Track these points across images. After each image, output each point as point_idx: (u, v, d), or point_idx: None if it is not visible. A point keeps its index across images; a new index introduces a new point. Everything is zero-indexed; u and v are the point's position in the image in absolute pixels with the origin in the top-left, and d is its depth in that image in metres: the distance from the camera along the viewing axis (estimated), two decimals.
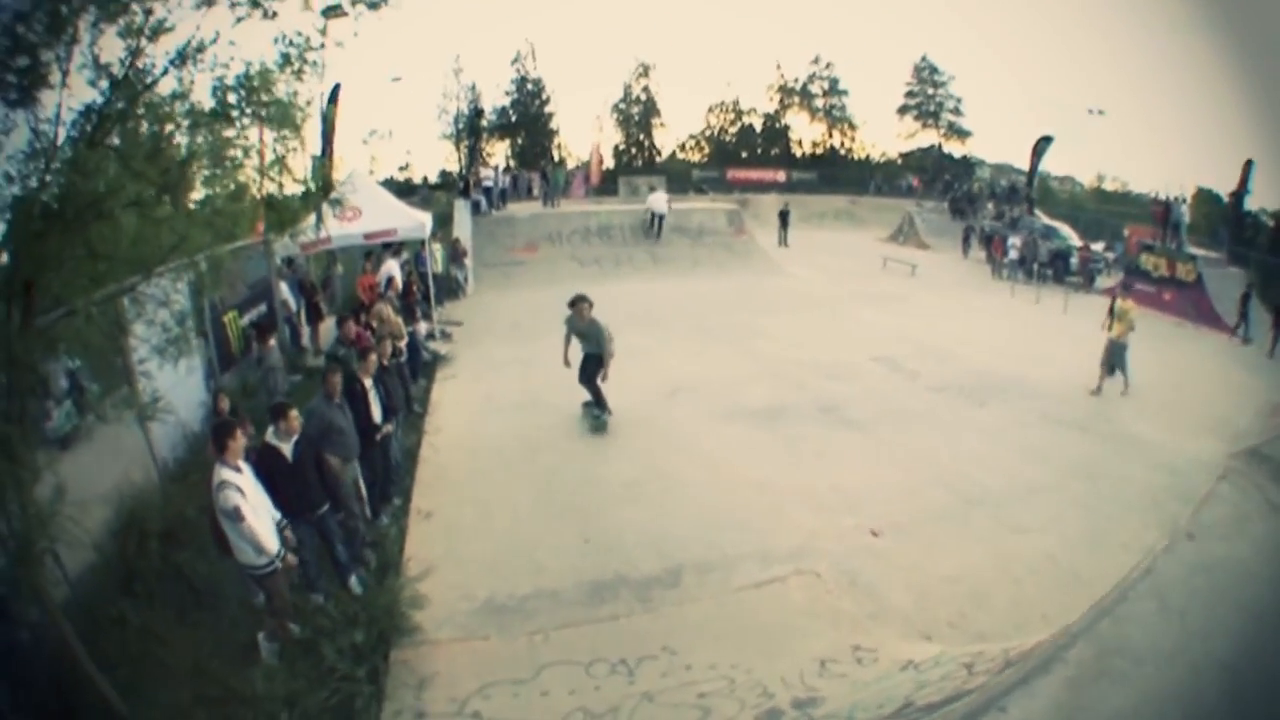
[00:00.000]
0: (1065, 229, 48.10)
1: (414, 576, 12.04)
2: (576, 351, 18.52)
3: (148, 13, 8.36)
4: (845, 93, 77.99)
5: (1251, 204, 60.02)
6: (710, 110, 77.97)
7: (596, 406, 19.15)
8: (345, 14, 9.77)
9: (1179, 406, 22.55)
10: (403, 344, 19.47)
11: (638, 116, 75.23)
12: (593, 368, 18.76)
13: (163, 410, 10.46)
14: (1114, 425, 20.59)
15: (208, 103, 8.87)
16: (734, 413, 19.94)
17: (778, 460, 17.19)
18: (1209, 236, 52.29)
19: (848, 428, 19.36)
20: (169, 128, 8.97)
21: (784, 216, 50.58)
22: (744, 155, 75.72)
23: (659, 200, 42.51)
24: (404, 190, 54.35)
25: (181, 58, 8.55)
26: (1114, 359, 22.74)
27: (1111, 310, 23.25)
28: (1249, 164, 57.88)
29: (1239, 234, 55.40)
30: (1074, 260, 43.53)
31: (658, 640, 10.58)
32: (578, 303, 18.51)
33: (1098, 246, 46.70)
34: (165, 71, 8.53)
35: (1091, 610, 6.54)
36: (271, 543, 9.93)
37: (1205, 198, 67.81)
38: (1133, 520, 14.54)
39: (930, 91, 77.33)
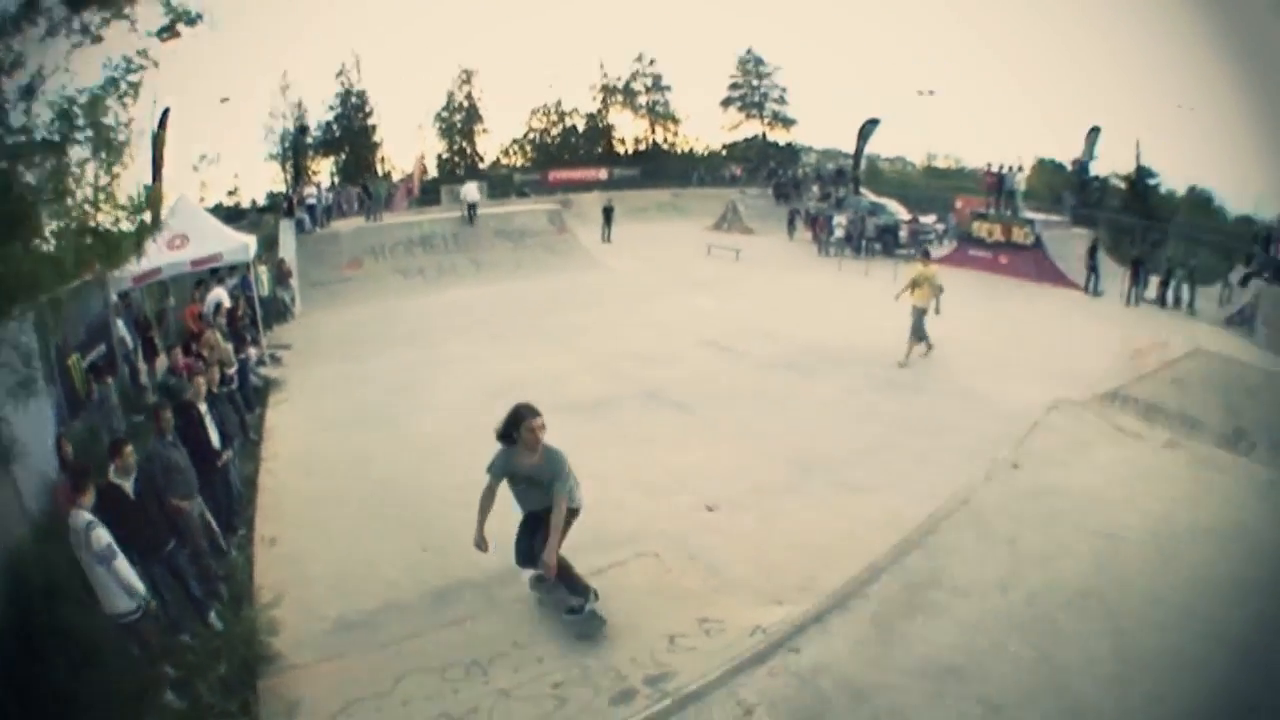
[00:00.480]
0: (893, 205, 48.90)
1: (266, 604, 11.60)
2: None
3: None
4: (668, 88, 77.24)
5: (1098, 169, 62.91)
6: (533, 113, 76.17)
7: (572, 594, 10.66)
8: (179, 35, 9.15)
9: (1022, 360, 23.31)
10: (233, 371, 18.69)
11: (460, 124, 72.94)
12: (536, 536, 10.60)
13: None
14: (952, 383, 21.07)
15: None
16: (560, 408, 18.18)
17: (607, 449, 16.78)
18: (1054, 202, 54.04)
19: (676, 411, 19.37)
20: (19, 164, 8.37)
21: (607, 213, 49.89)
22: (567, 156, 73.92)
23: (470, 190, 43.68)
24: (233, 215, 52.14)
25: (29, 91, 7.95)
26: (916, 326, 22.90)
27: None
28: (1094, 131, 60.53)
29: (1085, 198, 57.62)
30: (902, 233, 44.56)
31: (507, 637, 10.49)
32: (521, 420, 10.32)
33: (928, 219, 47.94)
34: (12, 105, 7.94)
35: (898, 544, 6.01)
36: (139, 583, 9.62)
37: (1046, 167, 69.88)
38: (976, 468, 14.23)
39: (755, 83, 76.77)
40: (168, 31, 9.35)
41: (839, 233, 44.69)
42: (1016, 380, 20.71)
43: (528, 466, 10.25)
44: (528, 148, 75.28)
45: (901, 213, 47.15)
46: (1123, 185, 64.77)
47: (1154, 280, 36.11)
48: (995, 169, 46.66)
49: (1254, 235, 42.51)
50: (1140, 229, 49.69)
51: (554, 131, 75.92)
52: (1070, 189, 58.67)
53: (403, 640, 10.75)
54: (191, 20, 9.57)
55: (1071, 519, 5.97)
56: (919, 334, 22.84)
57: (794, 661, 4.75)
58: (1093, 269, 37.53)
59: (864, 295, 32.75)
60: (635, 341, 25.20)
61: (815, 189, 58.09)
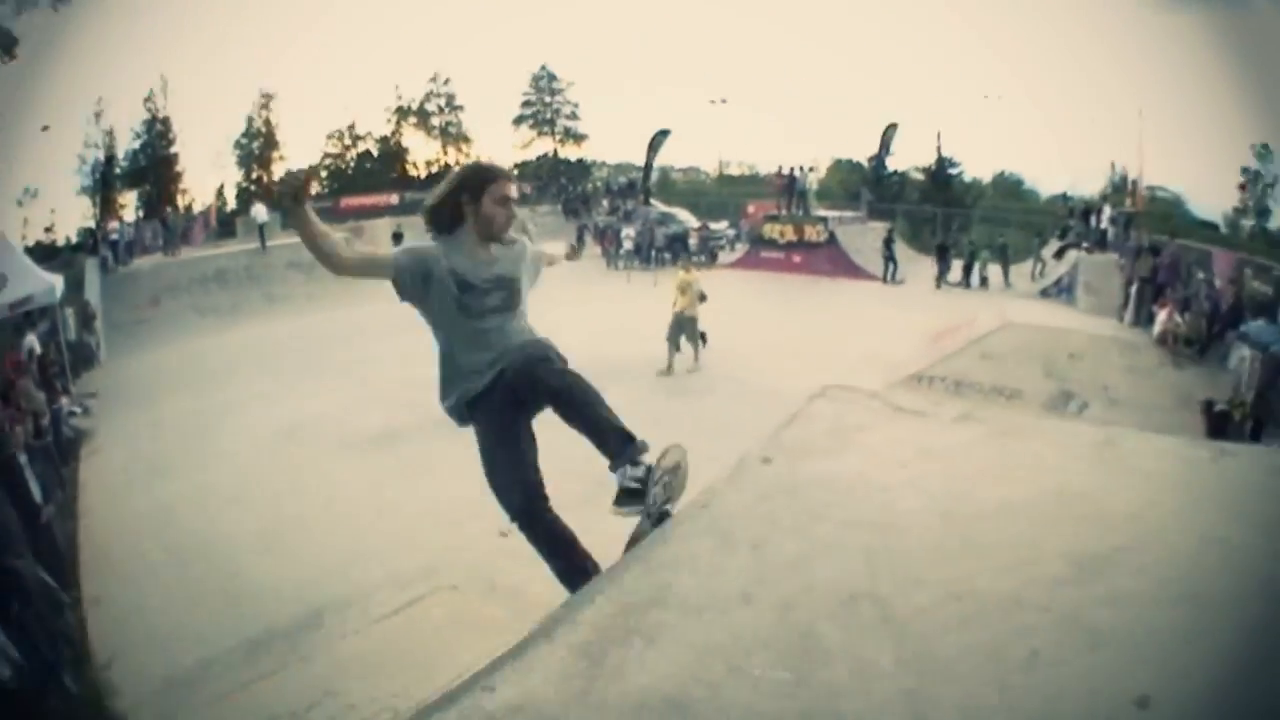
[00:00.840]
0: (683, 214, 49.39)
1: (102, 666, 11.06)
2: None
3: None
4: (460, 108, 74.88)
5: (896, 164, 65.83)
6: (328, 138, 74.03)
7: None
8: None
9: (821, 353, 23.11)
10: (45, 422, 17.74)
11: (258, 151, 70.28)
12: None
13: None
14: (743, 384, 20.84)
15: None
16: (350, 443, 18.96)
17: (396, 481, 16.51)
18: (851, 199, 54.97)
19: (464, 438, 18.04)
20: None
21: (397, 239, 47.60)
22: (363, 182, 71.86)
23: (260, 211, 43.12)
24: (49, 253, 49.74)
25: None
26: (683, 332, 22.89)
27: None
28: (890, 128, 62.73)
29: (881, 192, 59.15)
30: (692, 240, 44.67)
31: (319, 686, 9.87)
32: (484, 184, 6.14)
33: (718, 225, 48.32)
34: None
35: (620, 562, 5.39)
36: (12, 649, 9.20)
37: (843, 166, 70.87)
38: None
39: (547, 100, 75.45)
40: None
41: (627, 245, 44.48)
42: (813, 374, 19.56)
43: (488, 263, 6.09)
44: (323, 174, 72.89)
45: (691, 221, 47.44)
46: (922, 177, 66.52)
47: (958, 264, 37.59)
48: (785, 171, 46.98)
49: (1070, 210, 44.80)
50: (941, 216, 51.41)
51: (348, 157, 74.05)
52: (867, 185, 59.61)
53: (223, 697, 10.22)
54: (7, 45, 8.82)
55: (835, 513, 5.26)
56: (676, 342, 22.91)
57: (487, 701, 4.11)
58: (889, 259, 39.03)
59: (651, 305, 31.05)
60: (423, 369, 23.93)
61: (605, 203, 58.01)
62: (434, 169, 72.55)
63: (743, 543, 5.00)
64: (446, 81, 73.84)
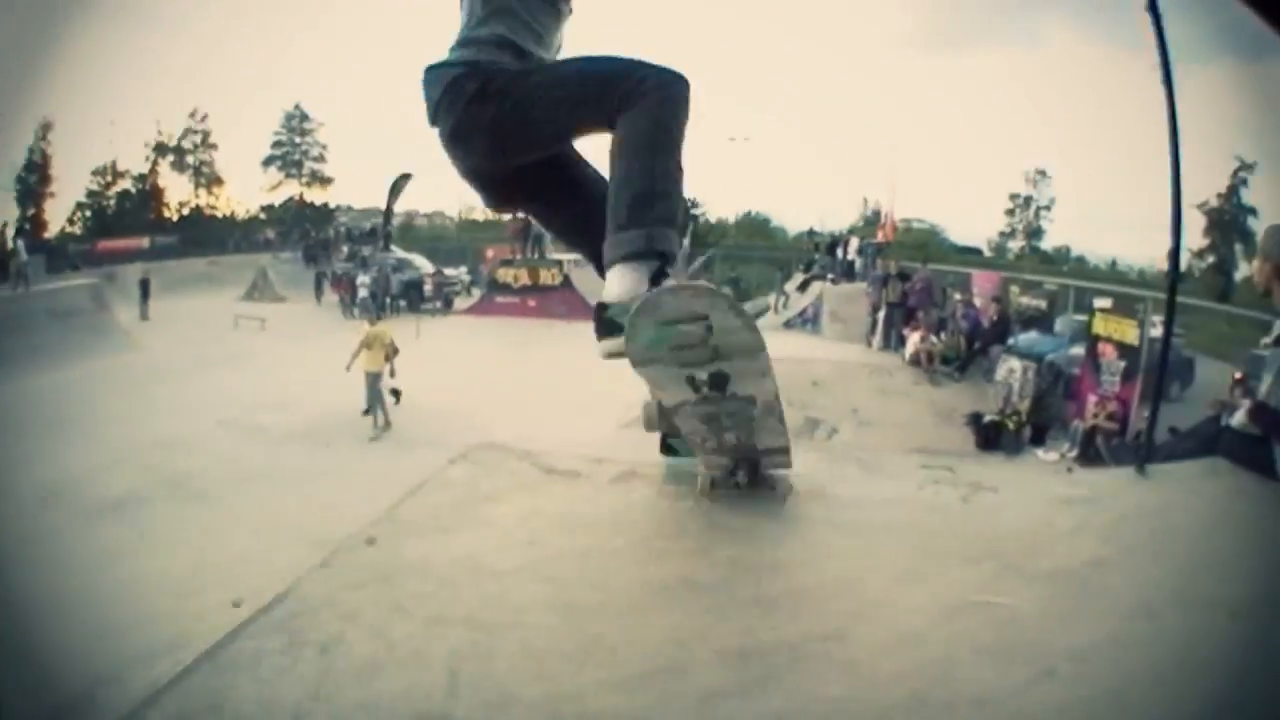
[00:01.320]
0: (419, 260, 48.67)
1: None
2: None
3: None
4: (214, 146, 71.63)
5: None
6: (93, 174, 68.69)
7: None
8: None
9: (548, 402, 23.27)
10: None
11: (34, 185, 65.05)
12: None
13: None
14: (465, 437, 18.91)
15: None
16: (85, 512, 17.04)
17: (126, 553, 14.90)
18: None
19: (198, 502, 17.26)
20: None
21: (144, 286, 45.25)
22: (123, 222, 67.40)
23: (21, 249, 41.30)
24: None
25: None
26: (372, 394, 22.12)
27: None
28: None
29: None
30: (427, 287, 43.98)
31: None
32: None
33: (453, 271, 48.18)
34: None
35: (192, 661, 4.29)
36: None
37: None
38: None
39: (297, 140, 72.96)
40: None
41: (362, 292, 42.77)
42: (537, 424, 19.59)
43: None
44: (86, 214, 68.43)
45: (426, 267, 46.71)
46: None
47: None
48: (520, 215, 45.74)
49: (816, 245, 45.09)
50: (683, 256, 51.06)
51: (110, 194, 69.23)
52: None
53: None
54: None
55: (426, 607, 3.93)
56: (375, 401, 21.98)
57: None
58: None
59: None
60: (152, 427, 22.66)
61: (345, 249, 55.77)
62: (184, 210, 69.14)
63: (312, 643, 4.06)
64: (204, 118, 70.24)
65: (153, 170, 69.75)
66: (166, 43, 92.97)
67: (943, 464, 18.34)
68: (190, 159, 70.61)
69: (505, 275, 42.88)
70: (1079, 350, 22.11)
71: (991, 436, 19.68)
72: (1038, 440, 20.04)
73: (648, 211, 4.13)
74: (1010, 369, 21.34)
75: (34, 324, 33.31)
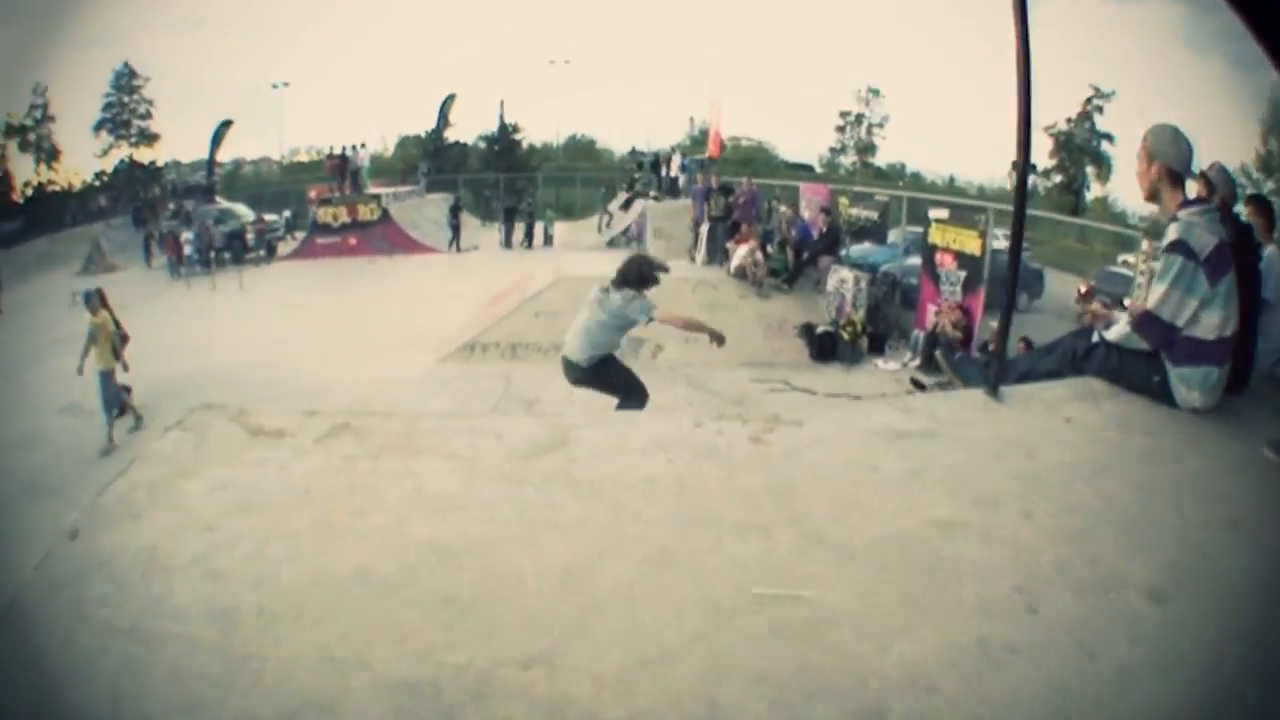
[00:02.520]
0: (241, 208, 46.98)
1: None
2: None
3: None
4: (53, 119, 68.53)
5: (457, 135, 63.19)
6: None
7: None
8: None
9: (371, 338, 22.92)
10: None
11: None
12: None
13: None
14: (294, 382, 19.68)
15: None
16: None
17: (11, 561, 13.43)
18: (411, 173, 53.94)
19: (50, 498, 15.79)
20: None
21: None
22: None
23: None
24: None
25: None
26: (108, 396, 19.27)
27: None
28: (448, 99, 62.22)
29: (441, 164, 58.51)
30: (249, 236, 42.49)
31: None
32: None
33: (273, 216, 46.34)
34: None
35: None
36: None
37: (409, 141, 69.57)
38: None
39: (125, 100, 70.05)
40: None
41: (187, 249, 41.50)
42: (371, 360, 20.38)
43: None
44: None
45: (247, 215, 45.13)
46: (483, 145, 66.36)
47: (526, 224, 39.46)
48: (337, 152, 45.56)
49: (639, 164, 43.61)
50: (504, 182, 51.36)
51: None
52: (425, 158, 59.44)
53: None
54: None
55: (101, 616, 3.57)
56: (113, 404, 19.27)
57: None
58: (454, 228, 40.03)
59: (209, 314, 30.75)
60: (11, 426, 20.87)
61: (171, 206, 53.47)
62: (28, 191, 66.05)
63: (17, 658, 3.10)
64: (44, 91, 67.00)
65: (1, 156, 66.36)
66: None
67: (777, 378, 18.23)
68: (32, 135, 67.37)
69: (325, 215, 41.54)
70: (915, 261, 21.95)
71: (826, 347, 19.42)
72: (877, 350, 19.88)
73: None
74: (842, 279, 20.83)
75: None
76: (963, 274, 18.79)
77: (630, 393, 11.05)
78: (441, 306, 25.79)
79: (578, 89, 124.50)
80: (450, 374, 19.13)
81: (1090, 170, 61.70)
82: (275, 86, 62.22)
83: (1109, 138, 60.81)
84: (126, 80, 68.48)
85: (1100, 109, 60.36)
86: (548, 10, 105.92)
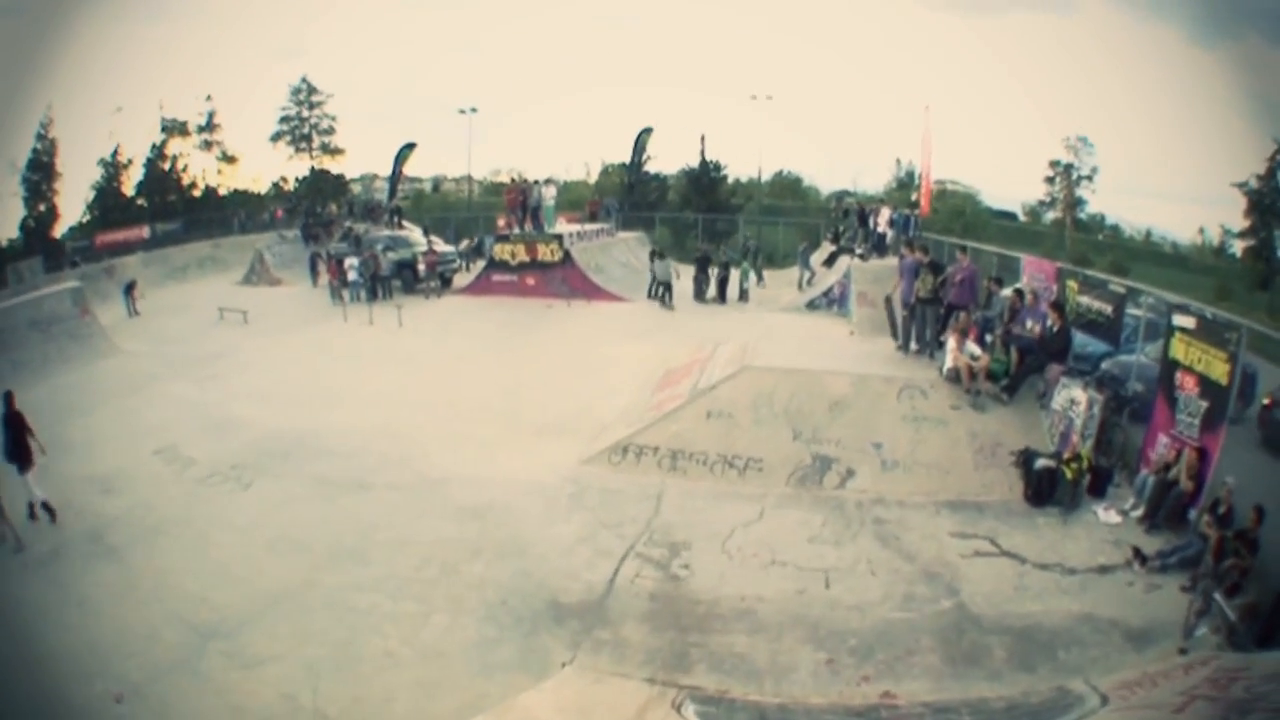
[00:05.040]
0: (416, 235, 46.01)
1: None
2: None
3: None
4: (218, 126, 69.40)
5: (654, 167, 61.58)
6: (99, 163, 65.32)
7: None
8: None
9: (527, 412, 21.38)
10: None
11: (39, 181, 61.49)
12: None
13: None
14: (422, 468, 18.03)
15: None
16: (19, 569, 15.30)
17: (44, 622, 13.43)
18: (603, 210, 51.26)
19: (107, 560, 15.30)
20: None
21: (128, 285, 41.51)
22: (134, 211, 63.51)
23: None
24: None
25: None
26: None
27: None
28: (645, 132, 61.25)
29: (638, 200, 58.00)
30: (421, 267, 40.86)
31: None
32: None
33: (447, 248, 45.03)
34: None
35: None
36: None
37: (613, 170, 68.28)
38: (411, 604, 12.96)
39: (304, 114, 70.45)
40: None
41: (351, 275, 40.00)
42: (509, 446, 18.94)
43: None
44: (94, 205, 65.63)
45: (420, 244, 43.48)
46: (685, 181, 64.45)
47: (719, 275, 36.89)
48: (519, 182, 44.03)
49: (845, 210, 41.51)
50: (703, 223, 49.09)
51: (121, 181, 66.44)
52: (615, 194, 57.95)
53: None
54: None
55: None
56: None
57: None
58: (654, 274, 37.02)
59: (361, 350, 30.12)
60: (100, 460, 19.98)
61: (349, 226, 52.30)
62: (196, 193, 67.54)
63: None
64: (209, 98, 68.91)
65: (163, 152, 67.23)
66: (167, 31, 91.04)
67: (984, 530, 14.95)
68: (205, 136, 68.65)
69: (502, 252, 40.01)
70: (1144, 359, 18.44)
71: (1045, 488, 15.98)
72: (1098, 491, 16.30)
73: None
74: (1072, 399, 17.39)
75: (15, 337, 30.91)
76: (1204, 405, 15.06)
77: None
78: (605, 378, 23.79)
79: (781, 125, 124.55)
80: (593, 480, 16.92)
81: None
82: (463, 111, 60.39)
83: None
84: (306, 95, 69.94)
85: None
86: (753, 47, 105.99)
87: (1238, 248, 61.25)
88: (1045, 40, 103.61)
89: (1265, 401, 18.31)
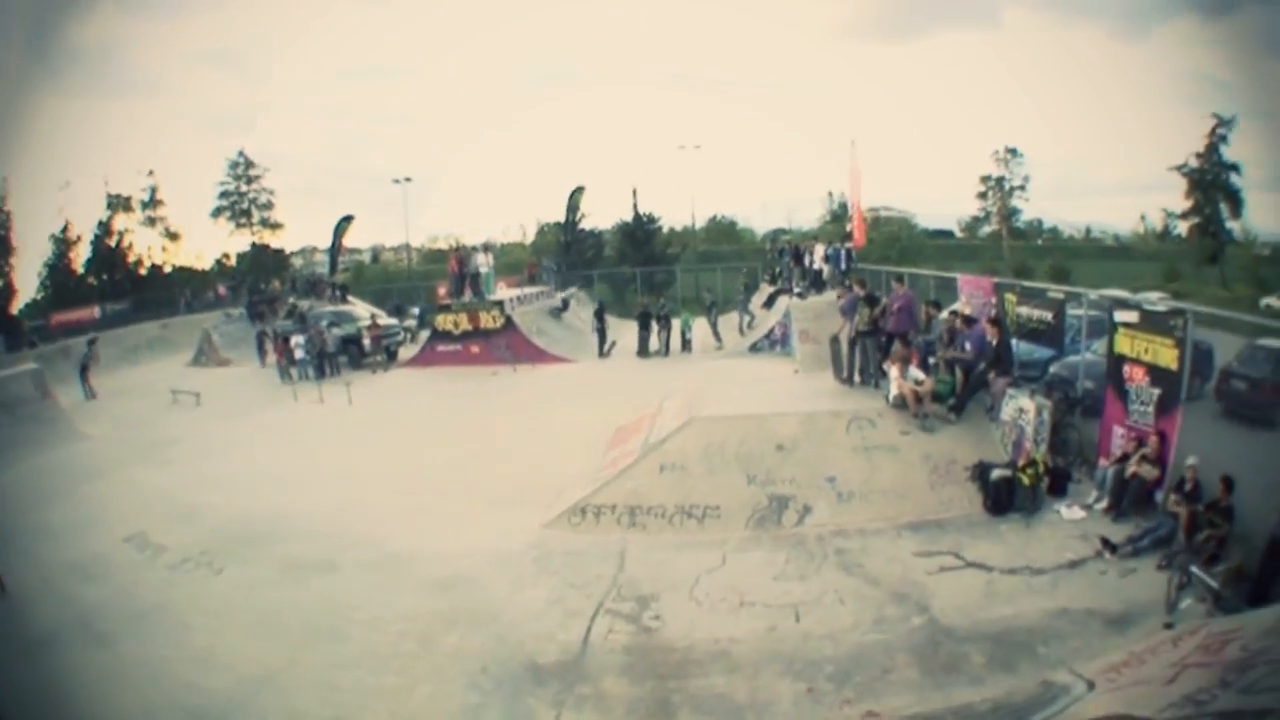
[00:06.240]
0: (360, 309, 46.35)
1: None
2: None
3: None
4: (161, 202, 70.72)
5: (589, 223, 62.25)
6: (50, 239, 66.62)
7: None
8: None
9: (480, 484, 21.32)
10: None
11: None
12: None
13: None
14: (379, 543, 18.00)
15: None
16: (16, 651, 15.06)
17: (46, 708, 13.10)
18: (542, 270, 52.26)
19: (98, 647, 15.05)
20: None
21: (83, 368, 40.47)
22: (84, 290, 63.97)
23: None
24: None
25: None
26: None
27: None
28: (577, 191, 63.02)
29: (574, 258, 58.90)
30: (366, 341, 41.09)
31: None
32: None
33: (390, 321, 45.04)
34: None
35: None
36: None
37: (549, 230, 68.78)
38: (393, 678, 12.80)
39: (243, 189, 71.78)
40: None
41: (298, 353, 39.58)
42: (470, 516, 19.04)
43: None
44: (46, 285, 66.43)
45: (364, 318, 43.39)
46: (620, 236, 66.35)
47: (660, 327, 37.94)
48: (457, 249, 46.20)
49: (779, 250, 42.57)
50: (641, 276, 49.59)
51: (70, 259, 67.37)
52: (551, 254, 58.66)
53: None
54: None
55: None
56: None
57: None
58: (600, 332, 38.72)
59: (312, 429, 30.12)
60: (77, 546, 20.02)
61: (292, 302, 52.50)
62: (142, 271, 68.57)
63: None
64: (151, 173, 69.82)
65: (109, 229, 68.05)
66: (114, 106, 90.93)
67: (947, 546, 15.26)
68: (149, 213, 69.65)
69: (445, 322, 40.58)
70: (1090, 356, 19.02)
71: (1003, 497, 16.34)
72: (1058, 490, 16.71)
73: None
74: (1020, 409, 17.90)
75: None
76: (1156, 392, 15.70)
77: None
78: (556, 441, 24.00)
79: (711, 171, 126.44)
80: (555, 543, 16.97)
81: (1225, 208, 60.86)
82: (398, 181, 62.84)
83: (1236, 169, 60.07)
84: (243, 169, 71.38)
85: (1225, 138, 59.57)
86: (678, 97, 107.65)
87: (1182, 228, 64.27)
88: (971, 57, 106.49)
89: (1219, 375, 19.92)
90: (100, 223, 67.78)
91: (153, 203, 69.45)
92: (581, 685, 12.05)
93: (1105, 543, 14.31)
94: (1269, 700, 6.97)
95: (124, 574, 18.52)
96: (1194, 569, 12.08)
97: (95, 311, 57.71)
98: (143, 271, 68.50)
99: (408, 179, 63.58)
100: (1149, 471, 15.13)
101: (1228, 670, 8.35)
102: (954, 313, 21.85)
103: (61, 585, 17.63)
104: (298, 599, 15.84)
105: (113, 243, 68.27)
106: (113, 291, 63.27)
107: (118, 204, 68.51)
